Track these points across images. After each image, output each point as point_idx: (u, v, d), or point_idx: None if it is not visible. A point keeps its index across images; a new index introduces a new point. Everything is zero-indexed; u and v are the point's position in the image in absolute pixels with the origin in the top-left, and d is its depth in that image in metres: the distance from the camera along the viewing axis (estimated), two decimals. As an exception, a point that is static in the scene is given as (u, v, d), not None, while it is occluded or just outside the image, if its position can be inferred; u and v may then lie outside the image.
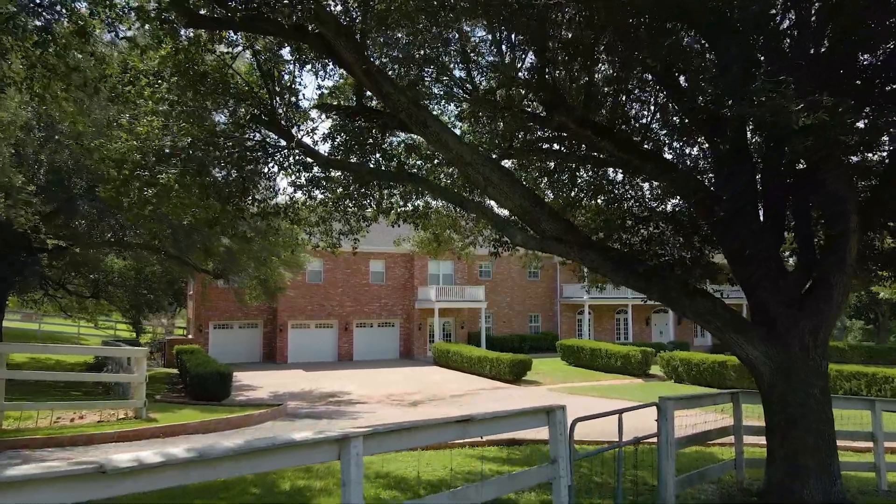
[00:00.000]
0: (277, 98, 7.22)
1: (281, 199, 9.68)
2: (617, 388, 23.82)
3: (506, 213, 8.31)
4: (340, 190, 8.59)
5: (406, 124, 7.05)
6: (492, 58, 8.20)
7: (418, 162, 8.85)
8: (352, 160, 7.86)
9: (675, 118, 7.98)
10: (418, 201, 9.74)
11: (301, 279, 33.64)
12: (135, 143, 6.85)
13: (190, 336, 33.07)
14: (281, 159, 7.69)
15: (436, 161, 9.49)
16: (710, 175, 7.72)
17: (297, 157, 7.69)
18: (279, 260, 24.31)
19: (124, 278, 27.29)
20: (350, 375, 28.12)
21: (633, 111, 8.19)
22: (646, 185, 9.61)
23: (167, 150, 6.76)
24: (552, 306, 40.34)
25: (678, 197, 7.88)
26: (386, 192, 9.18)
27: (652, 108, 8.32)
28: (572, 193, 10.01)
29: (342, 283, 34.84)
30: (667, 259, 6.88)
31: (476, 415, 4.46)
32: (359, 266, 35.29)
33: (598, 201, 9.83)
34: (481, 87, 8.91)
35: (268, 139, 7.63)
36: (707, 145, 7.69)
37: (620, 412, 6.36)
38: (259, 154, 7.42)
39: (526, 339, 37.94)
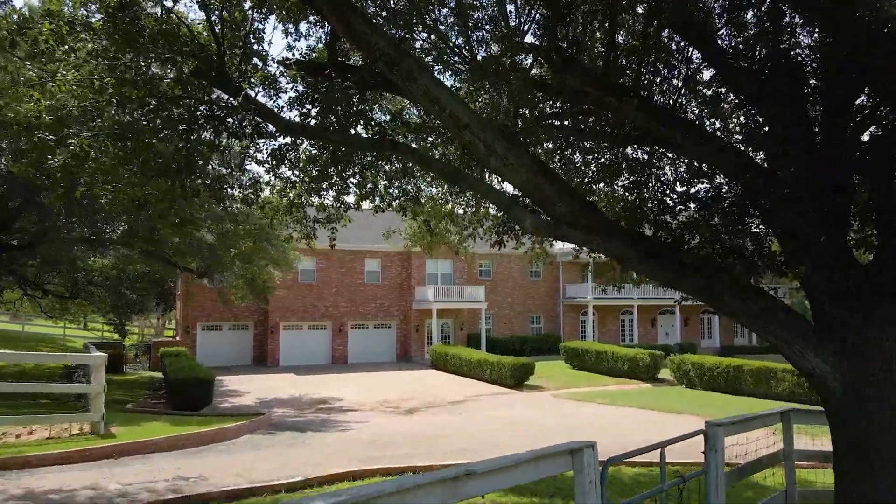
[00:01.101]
0: (228, 50, 5.85)
1: (251, 184, 8.29)
2: (626, 394, 22.41)
3: (511, 192, 6.90)
4: (313, 168, 7.19)
5: (388, 81, 5.67)
6: (493, 10, 6.81)
7: (408, 136, 7.44)
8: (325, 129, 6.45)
9: (713, 77, 6.58)
10: (408, 185, 8.31)
11: (293, 278, 32.21)
12: (49, 103, 5.51)
13: (178, 338, 31.66)
14: (234, 125, 6.26)
15: (429, 140, 8.11)
16: (757, 147, 6.31)
17: (251, 121, 6.29)
18: (267, 257, 22.93)
19: (105, 277, 25.87)
20: (343, 379, 26.72)
21: (663, 73, 6.79)
22: (668, 169, 8.24)
23: (90, 112, 5.40)
24: (555, 307, 38.93)
25: (720, 175, 6.48)
26: (369, 172, 7.79)
27: (685, 68, 6.93)
28: (585, 179, 8.62)
29: (336, 283, 33.42)
30: (717, 248, 5.49)
31: (476, 467, 3.07)
32: (354, 265, 33.88)
33: (619, 185, 8.41)
34: (482, 52, 7.53)
35: (221, 103, 6.22)
36: (754, 111, 6.28)
37: (662, 447, 4.96)
38: (204, 118, 6.00)
39: (527, 341, 36.52)
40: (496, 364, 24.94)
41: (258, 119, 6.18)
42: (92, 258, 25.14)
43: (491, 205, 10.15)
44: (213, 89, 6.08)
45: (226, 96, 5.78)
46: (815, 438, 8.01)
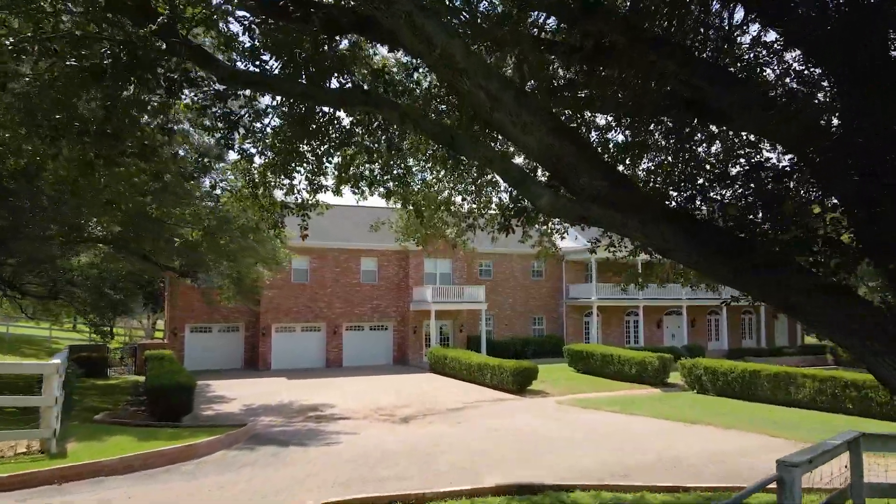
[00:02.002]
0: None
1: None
2: (635, 400, 21.08)
3: (521, 162, 5.56)
4: (276, 140, 5.90)
5: (363, 21, 4.38)
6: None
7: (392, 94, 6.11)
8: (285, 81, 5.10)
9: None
10: (394, 162, 6.97)
11: (285, 278, 30.90)
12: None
13: (165, 340, 30.33)
14: (163, 74, 4.92)
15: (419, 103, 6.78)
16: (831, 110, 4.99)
17: (180, 67, 4.96)
18: (255, 256, 21.63)
19: (86, 277, 24.53)
20: (337, 384, 25.41)
21: (708, 20, 5.49)
22: (702, 148, 6.93)
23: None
24: (557, 307, 37.60)
25: (780, 147, 5.18)
26: (349, 150, 6.49)
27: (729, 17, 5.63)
28: (605, 158, 7.31)
29: (331, 283, 32.09)
30: (797, 236, 4.19)
31: None
32: (349, 264, 32.56)
33: (642, 168, 7.11)
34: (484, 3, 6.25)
35: (145, 44, 4.87)
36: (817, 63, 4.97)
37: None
38: (124, 67, 4.69)
39: (529, 343, 35.20)
40: (497, 368, 23.63)
41: (190, 67, 4.89)
42: (73, 257, 23.82)
43: (494, 192, 8.86)
44: (135, 28, 4.74)
45: (155, 38, 4.47)
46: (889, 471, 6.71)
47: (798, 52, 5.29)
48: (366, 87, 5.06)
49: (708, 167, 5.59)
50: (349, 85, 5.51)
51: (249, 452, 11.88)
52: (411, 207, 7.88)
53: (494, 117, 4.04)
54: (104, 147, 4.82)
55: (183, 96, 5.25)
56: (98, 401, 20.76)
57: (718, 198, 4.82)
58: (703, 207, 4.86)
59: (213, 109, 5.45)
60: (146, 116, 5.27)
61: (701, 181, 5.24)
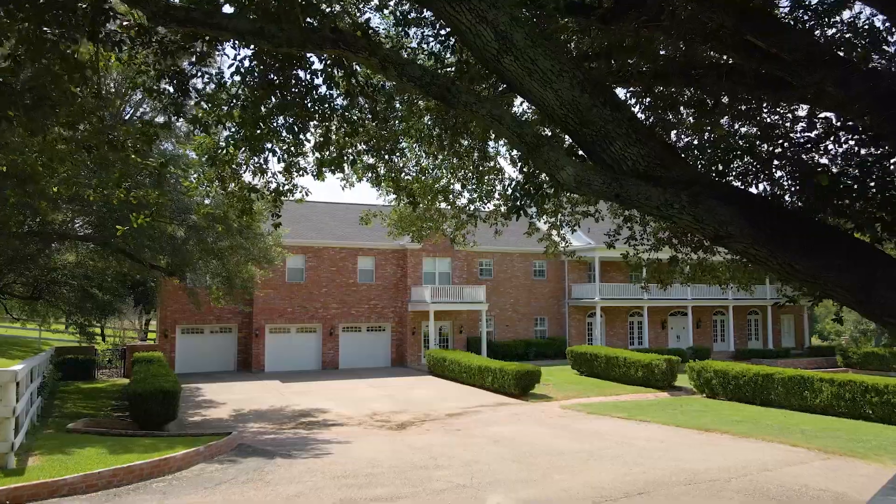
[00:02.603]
0: None
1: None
2: (643, 405, 20.14)
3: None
4: (245, 110, 4.93)
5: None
6: None
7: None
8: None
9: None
10: (383, 133, 5.98)
11: (279, 278, 29.96)
12: None
13: (156, 342, 29.36)
14: (83, 10, 3.95)
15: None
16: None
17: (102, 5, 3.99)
18: (246, 254, 20.70)
19: (71, 276, 23.57)
20: (332, 387, 24.46)
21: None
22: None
23: None
24: (560, 308, 36.64)
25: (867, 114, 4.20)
26: (333, 125, 5.54)
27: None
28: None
29: (326, 283, 31.12)
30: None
31: None
32: (345, 263, 31.59)
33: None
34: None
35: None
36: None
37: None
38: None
39: (531, 345, 34.25)
40: (499, 371, 22.68)
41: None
42: (55, 255, 22.87)
43: (497, 180, 7.89)
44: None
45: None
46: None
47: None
48: (336, 25, 4.14)
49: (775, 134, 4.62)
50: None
51: (230, 467, 10.93)
52: (405, 196, 6.91)
53: (504, 64, 3.11)
54: (29, 113, 3.89)
55: (118, 50, 4.30)
56: (81, 405, 19.82)
57: (787, 176, 3.86)
58: (768, 185, 3.91)
59: (158, 67, 4.51)
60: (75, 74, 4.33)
61: (772, 148, 4.26)
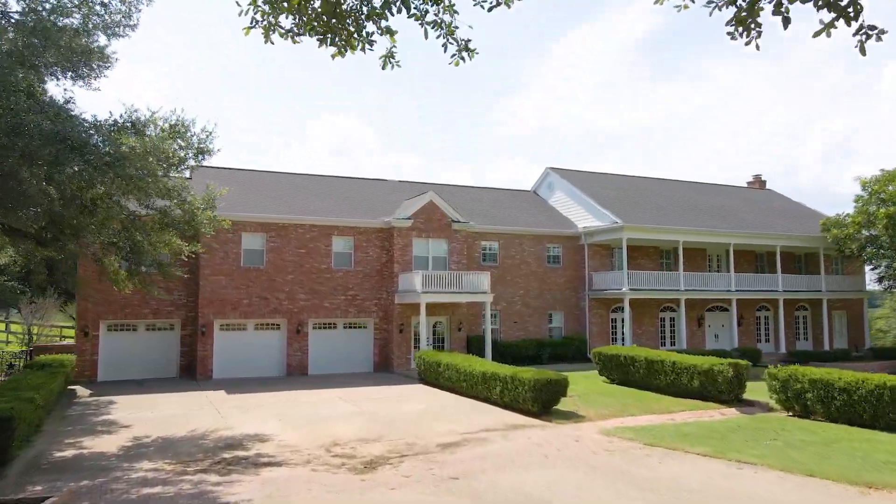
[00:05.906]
0: None
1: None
2: (719, 431, 14.12)
3: None
4: None
5: None
6: None
7: None
8: None
9: None
10: None
11: (232, 261, 23.99)
12: None
13: (76, 342, 23.31)
14: None
15: None
16: None
17: None
18: (162, 218, 14.79)
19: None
20: (292, 400, 18.47)
21: None
22: None
23: None
24: (579, 301, 30.61)
25: None
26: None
27: None
28: None
29: (293, 268, 25.12)
30: None
31: None
32: (317, 244, 25.57)
33: None
34: None
35: None
36: None
37: None
38: None
39: (544, 346, 28.26)
40: (510, 379, 16.71)
41: None
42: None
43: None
44: None
45: None
46: None
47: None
48: None
49: None
50: None
51: None
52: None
53: None
54: None
55: None
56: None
57: None
58: None
59: None
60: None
61: None
